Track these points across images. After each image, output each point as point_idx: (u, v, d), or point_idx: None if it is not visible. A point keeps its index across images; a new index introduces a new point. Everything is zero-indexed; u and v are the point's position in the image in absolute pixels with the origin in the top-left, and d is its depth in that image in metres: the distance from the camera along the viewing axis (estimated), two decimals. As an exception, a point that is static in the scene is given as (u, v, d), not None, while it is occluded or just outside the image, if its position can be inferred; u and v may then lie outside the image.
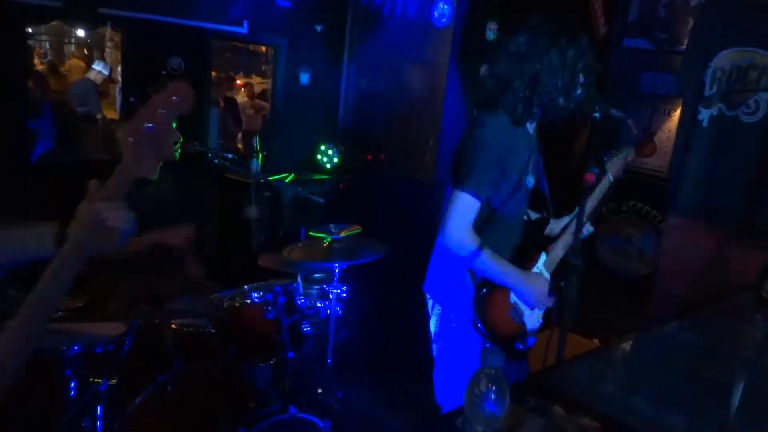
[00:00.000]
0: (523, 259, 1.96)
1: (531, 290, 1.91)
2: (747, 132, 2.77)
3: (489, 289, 1.90)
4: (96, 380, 2.04)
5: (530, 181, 1.95)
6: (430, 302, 2.10)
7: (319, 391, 2.76)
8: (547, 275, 1.99)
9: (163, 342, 2.33)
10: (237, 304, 2.40)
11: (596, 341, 3.19)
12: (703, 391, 1.71)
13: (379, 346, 3.37)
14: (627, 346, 2.00)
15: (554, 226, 2.14)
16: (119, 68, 7.38)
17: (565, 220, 2.13)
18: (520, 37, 1.82)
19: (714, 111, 2.88)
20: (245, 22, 3.94)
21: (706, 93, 2.89)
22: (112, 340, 2.17)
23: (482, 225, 1.85)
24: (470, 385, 1.02)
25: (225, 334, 2.39)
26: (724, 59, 2.84)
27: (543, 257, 1.98)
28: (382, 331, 3.43)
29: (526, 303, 1.95)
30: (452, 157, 1.94)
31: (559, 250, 2.01)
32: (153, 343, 2.33)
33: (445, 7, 3.97)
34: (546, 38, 1.78)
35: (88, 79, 6.47)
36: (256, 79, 7.84)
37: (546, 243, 2.02)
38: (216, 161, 3.10)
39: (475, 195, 1.76)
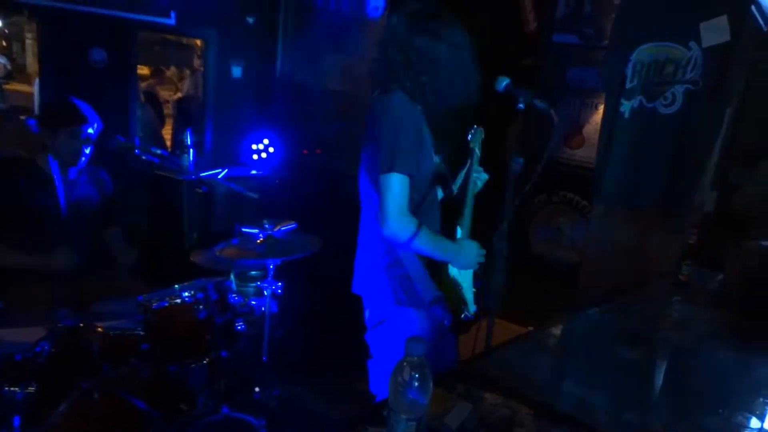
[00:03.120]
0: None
1: (465, 256, 1.99)
2: (665, 123, 2.90)
3: (431, 269, 1.96)
4: (12, 389, 1.93)
5: (436, 158, 2.03)
6: (362, 300, 2.12)
7: (257, 389, 2.72)
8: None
9: (87, 346, 2.23)
10: (167, 305, 2.32)
11: (531, 329, 3.27)
12: (626, 371, 1.79)
13: (317, 341, 3.35)
14: (554, 331, 2.06)
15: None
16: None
17: (457, 183, 2.24)
18: (399, 22, 1.92)
19: (635, 103, 2.99)
20: (173, 13, 3.81)
21: (628, 85, 3.01)
22: (30, 346, 2.06)
23: (414, 212, 1.88)
24: (394, 374, 1.02)
25: (155, 335, 2.31)
26: (643, 53, 2.96)
27: (459, 232, 2.05)
28: (319, 326, 3.41)
29: (463, 267, 2.02)
30: (364, 144, 1.96)
31: (467, 220, 2.09)
32: (77, 348, 2.23)
33: (379, 0, 3.97)
34: (420, 25, 1.88)
35: None
36: (186, 73, 7.61)
37: (457, 217, 2.10)
38: (144, 157, 2.99)
39: (405, 173, 1.80)
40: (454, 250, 1.97)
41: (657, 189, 2.91)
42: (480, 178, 2.20)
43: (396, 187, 1.79)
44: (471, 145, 2.20)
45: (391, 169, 1.78)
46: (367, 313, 2.10)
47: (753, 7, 2.61)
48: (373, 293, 2.05)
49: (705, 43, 2.75)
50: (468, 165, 2.18)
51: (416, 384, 1.00)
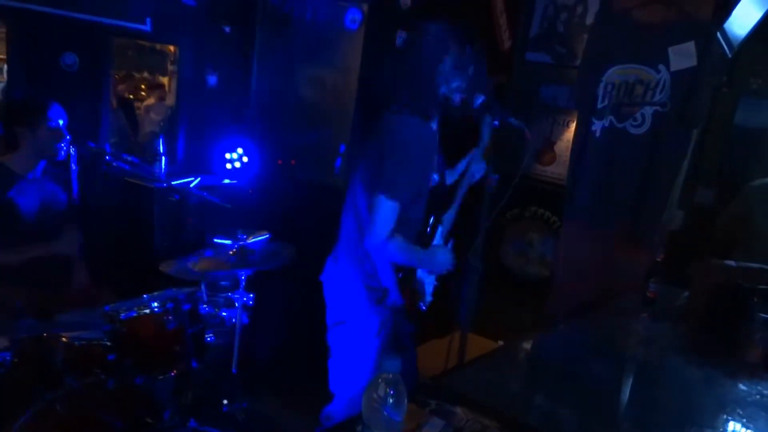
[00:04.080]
0: (424, 238, 2.11)
1: (435, 264, 2.09)
2: (634, 143, 2.97)
3: (403, 272, 2.05)
4: (-29, 401, 1.87)
5: (435, 178, 2.09)
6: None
7: (225, 402, 2.68)
8: (443, 243, 2.17)
9: (51, 357, 2.17)
10: (135, 315, 2.27)
11: (501, 343, 3.30)
12: (595, 386, 1.82)
13: (288, 353, 3.32)
14: (525, 346, 2.09)
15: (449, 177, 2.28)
16: (4, 65, 6.82)
17: (457, 172, 2.27)
18: (418, 40, 1.95)
19: (606, 123, 3.06)
20: (148, 20, 3.76)
21: (599, 105, 3.08)
22: (-9, 357, 2.00)
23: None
24: (368, 390, 1.02)
25: (122, 346, 2.26)
26: (614, 75, 3.03)
27: (439, 230, 2.13)
28: (290, 338, 3.38)
29: (433, 273, 2.14)
30: (363, 160, 1.97)
31: (451, 215, 2.18)
32: (40, 359, 2.16)
33: (356, 13, 4.00)
34: (442, 42, 1.91)
35: None
36: (160, 80, 7.50)
37: (440, 215, 2.16)
38: (116, 164, 2.95)
39: (397, 199, 1.84)
40: (426, 259, 2.05)
41: (626, 207, 2.98)
42: (476, 173, 2.23)
43: (386, 210, 1.84)
44: (482, 132, 2.21)
45: (386, 194, 1.83)
46: (328, 311, 2.13)
47: (718, 34, 2.70)
48: (339, 292, 2.07)
49: (673, 67, 2.84)
50: (469, 157, 2.24)
51: (391, 401, 1.01)
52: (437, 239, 2.14)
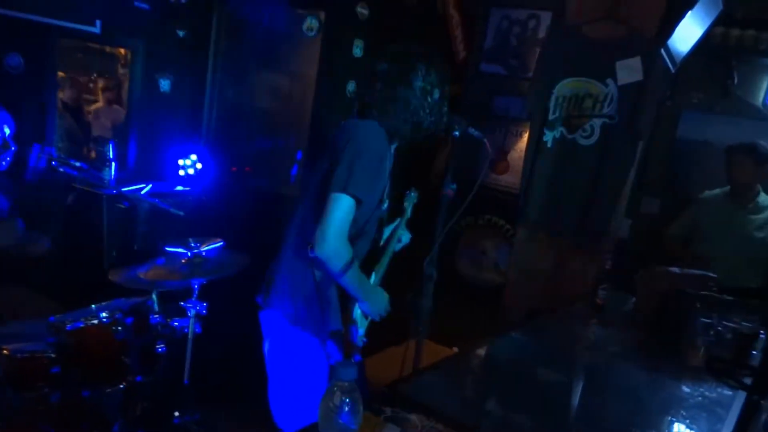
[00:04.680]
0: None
1: (376, 302, 1.97)
2: (584, 153, 3.07)
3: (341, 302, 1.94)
4: None
5: (385, 204, 2.01)
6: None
7: (176, 414, 2.61)
8: None
9: (-10, 370, 2.07)
10: (82, 326, 2.20)
11: (456, 349, 3.33)
12: (545, 391, 1.86)
13: (241, 363, 3.26)
14: (479, 352, 2.12)
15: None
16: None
17: (383, 236, 2.20)
18: (390, 61, 1.89)
19: (557, 133, 3.16)
20: (98, 22, 3.67)
21: (550, 117, 3.17)
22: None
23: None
24: (324, 399, 1.02)
25: (68, 358, 2.18)
26: (565, 87, 3.13)
27: (373, 277, 2.03)
28: (244, 348, 3.32)
29: (370, 314, 1.99)
30: (321, 163, 1.91)
31: (383, 267, 2.08)
32: (-22, 373, 2.07)
33: (314, 21, 4.00)
34: (413, 64, 1.86)
35: None
36: (111, 83, 7.32)
37: (374, 264, 2.09)
38: (61, 169, 2.86)
39: (355, 197, 1.73)
40: (370, 293, 1.93)
41: (576, 216, 3.07)
42: (403, 238, 2.20)
43: (343, 209, 1.72)
44: (405, 205, 2.24)
45: (344, 190, 1.72)
46: (264, 334, 2.07)
47: (662, 50, 2.82)
48: (279, 306, 1.99)
49: (620, 81, 2.95)
50: (397, 222, 2.20)
51: (347, 409, 1.00)
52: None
